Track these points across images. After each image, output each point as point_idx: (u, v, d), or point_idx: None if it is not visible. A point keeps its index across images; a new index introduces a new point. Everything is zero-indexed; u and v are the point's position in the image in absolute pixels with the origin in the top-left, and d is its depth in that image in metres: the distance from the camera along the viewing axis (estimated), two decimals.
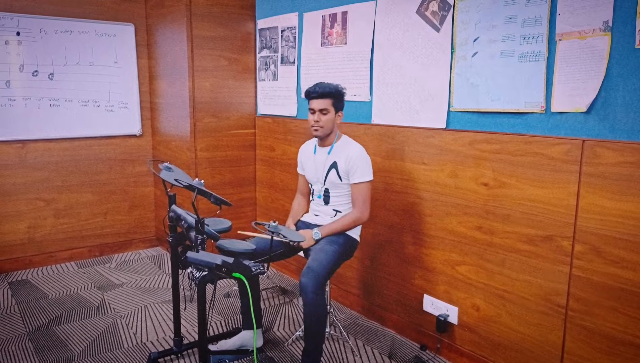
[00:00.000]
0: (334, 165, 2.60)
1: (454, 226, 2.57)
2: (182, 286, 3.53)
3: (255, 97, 4.00)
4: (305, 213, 2.85)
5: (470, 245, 2.52)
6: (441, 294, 2.70)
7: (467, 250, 2.53)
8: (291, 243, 2.23)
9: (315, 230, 2.55)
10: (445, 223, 2.62)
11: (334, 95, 2.54)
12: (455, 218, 2.57)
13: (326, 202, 2.67)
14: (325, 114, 2.54)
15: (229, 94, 3.88)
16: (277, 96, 3.77)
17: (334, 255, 2.45)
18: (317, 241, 2.54)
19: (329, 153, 2.62)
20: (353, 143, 2.64)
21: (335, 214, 2.64)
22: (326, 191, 2.66)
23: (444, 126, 2.58)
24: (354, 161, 2.54)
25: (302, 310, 2.43)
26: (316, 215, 2.72)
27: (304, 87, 3.46)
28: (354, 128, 3.04)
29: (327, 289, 2.82)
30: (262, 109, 3.96)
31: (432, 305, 2.75)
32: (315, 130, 2.57)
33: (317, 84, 2.58)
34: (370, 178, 2.56)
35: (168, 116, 4.07)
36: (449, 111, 2.55)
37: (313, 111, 2.56)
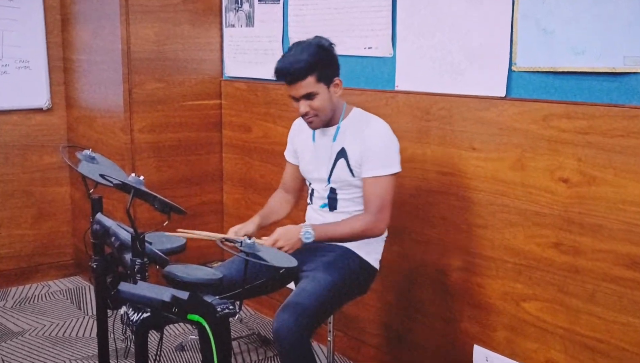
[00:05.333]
0: (342, 154, 2.61)
1: (520, 242, 2.58)
2: (112, 335, 3.53)
3: (221, 51, 4.02)
4: (283, 212, 2.85)
5: (543, 271, 2.52)
6: (500, 344, 2.71)
7: (539, 279, 2.54)
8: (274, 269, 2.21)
9: (306, 228, 2.49)
10: (506, 238, 2.63)
11: (316, 66, 2.47)
12: (521, 230, 2.57)
13: (332, 208, 2.68)
14: (313, 98, 2.51)
15: (183, 47, 3.88)
16: (253, 49, 3.78)
17: (331, 286, 2.45)
18: (306, 248, 2.49)
19: (334, 138, 2.63)
20: (371, 117, 2.65)
21: None
22: (332, 192, 2.67)
23: (503, 94, 2.59)
24: (371, 144, 2.54)
25: None
26: None
27: (293, 36, 3.46)
28: (369, 97, 3.05)
29: (330, 338, 2.83)
30: (232, 70, 3.97)
31: (487, 361, 2.76)
32: (310, 122, 2.59)
33: (285, 55, 2.52)
34: (396, 169, 2.57)
35: (91, 81, 4.07)
36: (510, 72, 2.56)
37: (295, 99, 2.54)
